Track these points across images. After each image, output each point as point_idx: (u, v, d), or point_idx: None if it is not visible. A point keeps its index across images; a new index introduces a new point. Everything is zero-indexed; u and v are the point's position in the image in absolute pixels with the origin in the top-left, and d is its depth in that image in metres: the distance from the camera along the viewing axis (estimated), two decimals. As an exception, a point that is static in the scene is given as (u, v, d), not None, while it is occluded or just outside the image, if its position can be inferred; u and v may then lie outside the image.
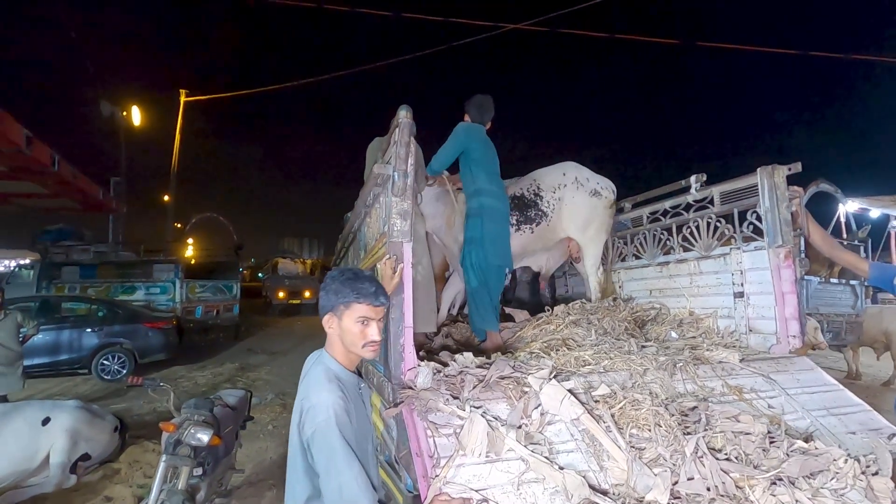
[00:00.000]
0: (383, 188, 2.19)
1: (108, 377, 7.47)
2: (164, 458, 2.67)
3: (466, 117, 3.28)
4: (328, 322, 1.47)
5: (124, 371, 7.56)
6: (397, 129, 2.01)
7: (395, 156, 1.99)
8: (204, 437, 2.70)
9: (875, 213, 8.34)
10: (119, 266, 10.51)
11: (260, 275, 22.84)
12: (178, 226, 17.83)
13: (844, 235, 7.33)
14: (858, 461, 1.61)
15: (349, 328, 1.44)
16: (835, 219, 7.87)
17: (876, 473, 1.61)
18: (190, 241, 15.13)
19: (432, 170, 3.20)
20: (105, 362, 7.54)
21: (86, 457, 3.74)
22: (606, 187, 3.73)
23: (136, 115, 14.85)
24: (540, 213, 3.58)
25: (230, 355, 9.85)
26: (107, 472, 3.99)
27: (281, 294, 18.35)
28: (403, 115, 1.99)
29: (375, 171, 2.07)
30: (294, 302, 18.40)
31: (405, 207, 2.00)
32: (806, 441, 1.72)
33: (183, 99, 15.65)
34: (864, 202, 8.35)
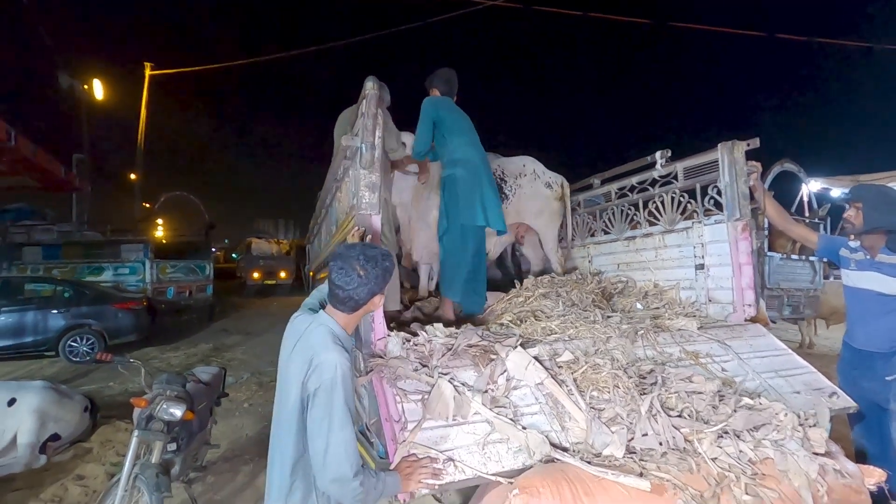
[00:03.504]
0: (352, 161, 2.19)
1: (77, 359, 7.30)
2: (136, 433, 2.66)
3: (434, 91, 3.27)
4: (378, 301, 1.58)
5: (93, 352, 7.41)
6: (364, 101, 2.00)
7: (362, 128, 1.99)
8: (177, 411, 2.70)
9: (836, 193, 8.69)
10: (85, 246, 10.17)
11: (234, 255, 22.45)
12: (147, 206, 17.30)
13: (807, 213, 7.61)
14: (798, 415, 1.74)
15: (377, 303, 1.58)
16: (798, 198, 8.15)
17: (814, 426, 1.74)
18: (160, 220, 14.73)
19: (418, 153, 3.20)
20: (73, 344, 7.36)
21: (55, 437, 3.69)
22: (556, 182, 4.06)
23: (99, 89, 14.19)
24: (503, 195, 3.80)
25: (204, 336, 9.73)
26: (78, 451, 3.95)
27: (256, 275, 18.10)
28: (370, 87, 1.99)
29: (344, 144, 2.07)
30: (269, 282, 18.19)
31: (373, 180, 2.01)
32: (752, 398, 1.83)
33: (148, 73, 15.02)
34: (826, 182, 8.68)
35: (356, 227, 1.96)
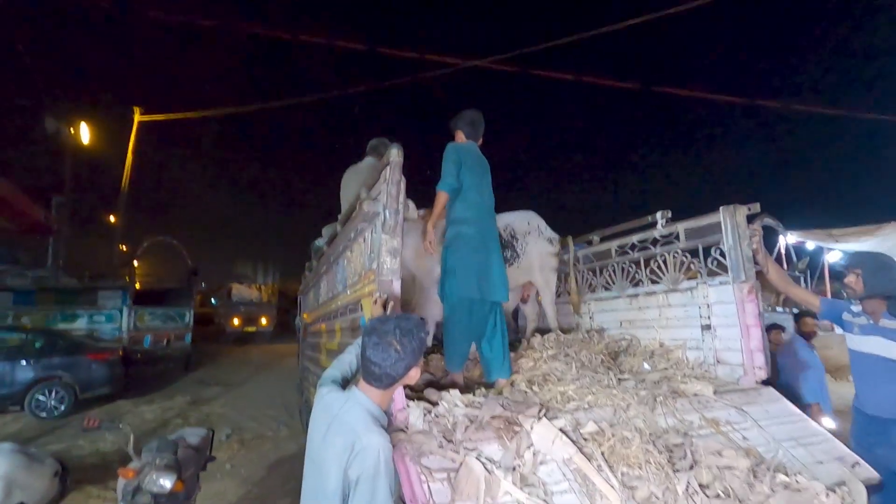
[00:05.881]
0: (371, 224, 2.17)
1: (44, 414, 6.85)
2: (120, 508, 2.47)
3: (459, 134, 3.12)
4: (414, 375, 1.52)
5: (62, 407, 6.97)
6: (388, 168, 2.02)
7: (386, 194, 1.99)
8: (167, 483, 2.52)
9: (811, 246, 9.04)
10: (59, 292, 9.78)
11: (213, 301, 21.86)
12: (125, 249, 16.89)
13: (786, 266, 7.84)
14: (834, 491, 1.70)
15: (413, 377, 1.53)
16: (775, 250, 8.42)
17: (851, 504, 1.70)
18: (138, 265, 14.34)
19: (450, 187, 2.89)
20: (40, 398, 6.91)
21: (21, 507, 3.38)
22: (555, 237, 4.14)
23: (85, 133, 14.10)
24: (514, 253, 3.83)
25: (181, 387, 9.28)
26: (45, 523, 3.61)
27: (236, 321, 17.61)
28: (395, 154, 2.00)
29: (364, 208, 2.06)
30: (249, 329, 17.69)
31: (395, 245, 2.00)
32: (787, 475, 1.79)
33: (137, 118, 15.05)
34: (802, 235, 9.04)
35: (378, 294, 1.92)
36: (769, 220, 7.12)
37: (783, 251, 8.40)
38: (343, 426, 1.38)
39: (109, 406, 7.52)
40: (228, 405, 7.95)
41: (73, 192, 14.05)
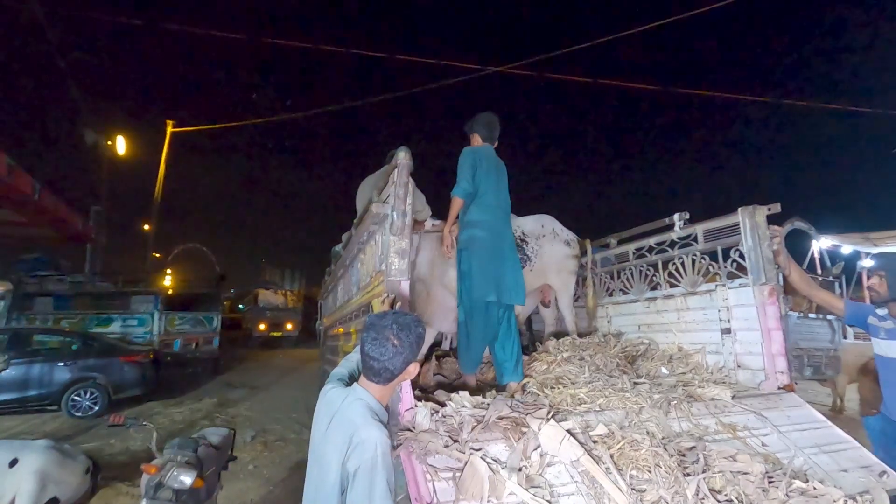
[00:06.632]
0: (380, 226, 2.21)
1: (79, 414, 7.13)
2: (143, 502, 2.56)
3: (475, 137, 3.15)
4: (413, 370, 1.54)
5: (97, 407, 7.24)
6: (396, 170, 2.05)
7: (393, 196, 2.02)
8: (187, 479, 2.59)
9: (847, 250, 8.65)
10: (95, 297, 10.21)
11: (240, 306, 22.38)
12: (158, 256, 17.49)
13: (819, 272, 7.55)
14: (854, 499, 1.63)
15: (411, 372, 1.55)
16: (809, 256, 8.12)
17: (872, 513, 1.63)
18: (169, 271, 14.85)
19: (465, 192, 2.91)
20: (76, 398, 7.20)
21: (54, 501, 3.52)
22: (573, 239, 4.05)
23: (121, 145, 14.74)
24: (525, 257, 3.73)
25: (208, 390, 9.52)
26: (76, 517, 3.76)
27: (262, 326, 17.97)
28: (403, 157, 2.04)
29: (374, 210, 2.10)
30: (275, 334, 18.01)
31: (403, 246, 2.03)
32: (802, 480, 1.73)
33: (170, 130, 15.63)
34: (836, 239, 8.67)
35: (385, 294, 1.95)
36: (800, 224, 6.86)
37: (817, 256, 8.09)
38: (343, 420, 1.40)
39: (140, 407, 7.77)
40: (254, 408, 8.11)
41: (109, 202, 14.70)
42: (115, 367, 7.65)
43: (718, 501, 1.56)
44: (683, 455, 1.87)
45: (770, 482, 1.71)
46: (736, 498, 1.63)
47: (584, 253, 4.16)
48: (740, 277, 2.93)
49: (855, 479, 1.98)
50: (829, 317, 7.03)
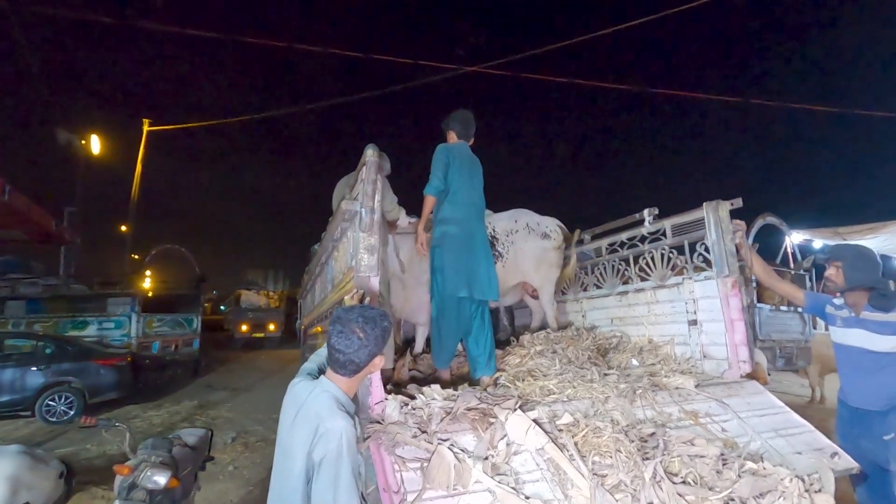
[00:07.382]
0: (351, 224, 2.24)
1: (54, 419, 6.98)
2: (116, 503, 2.54)
3: (451, 134, 3.18)
4: (378, 363, 1.56)
5: (72, 412, 7.10)
6: (364, 168, 2.08)
7: (362, 193, 2.05)
8: (161, 479, 2.59)
9: (818, 244, 8.94)
10: (70, 300, 9.97)
11: (222, 307, 22.09)
12: (136, 257, 17.17)
13: (791, 266, 7.76)
14: (803, 480, 1.72)
15: (377, 364, 1.56)
16: (782, 250, 8.35)
17: (819, 491, 1.71)
18: (147, 273, 14.59)
19: (436, 189, 2.95)
20: (51, 403, 7.05)
21: (27, 507, 3.47)
22: (554, 229, 4.01)
23: (96, 144, 14.43)
24: (497, 253, 3.73)
25: (188, 392, 9.41)
26: (49, 523, 3.70)
27: (244, 327, 17.76)
28: (370, 154, 2.07)
29: (343, 207, 2.12)
30: (258, 335, 17.83)
31: (372, 242, 2.06)
32: (755, 462, 1.81)
33: (146, 129, 15.35)
34: (808, 233, 8.94)
35: (355, 289, 1.98)
36: (771, 219, 7.09)
37: (790, 250, 8.31)
38: (309, 412, 1.42)
39: (119, 410, 7.64)
40: (235, 409, 8.04)
41: (85, 203, 14.39)
42: (91, 370, 7.51)
43: (674, 483, 1.63)
44: (645, 441, 1.94)
45: (724, 464, 1.79)
46: (692, 480, 1.70)
47: (572, 243, 4.09)
48: (706, 270, 3.02)
49: (807, 460, 2.07)
50: (799, 309, 7.25)
